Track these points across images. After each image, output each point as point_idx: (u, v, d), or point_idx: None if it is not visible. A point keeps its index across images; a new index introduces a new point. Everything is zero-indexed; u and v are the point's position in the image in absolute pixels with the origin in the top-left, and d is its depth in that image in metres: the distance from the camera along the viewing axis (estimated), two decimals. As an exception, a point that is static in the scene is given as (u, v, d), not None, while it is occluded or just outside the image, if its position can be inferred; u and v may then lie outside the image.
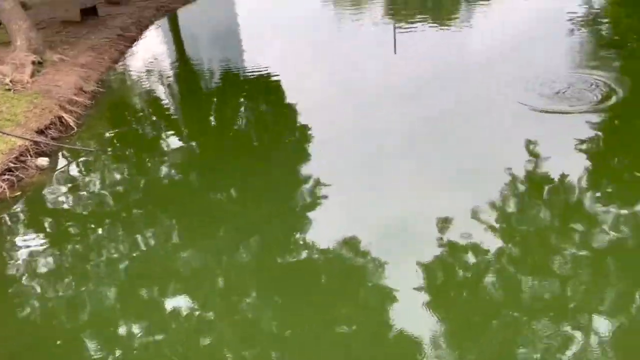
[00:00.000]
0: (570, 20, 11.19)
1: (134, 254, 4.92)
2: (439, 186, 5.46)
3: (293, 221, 5.23)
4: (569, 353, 3.35)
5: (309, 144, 6.82)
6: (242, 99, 8.95)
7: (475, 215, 4.86)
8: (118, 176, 6.50)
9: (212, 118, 8.35)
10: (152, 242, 5.10)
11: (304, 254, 4.67)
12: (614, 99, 6.93)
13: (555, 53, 9.12)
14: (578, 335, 3.49)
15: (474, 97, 7.54)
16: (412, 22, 12.70)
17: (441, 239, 4.59)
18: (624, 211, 4.72)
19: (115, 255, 4.88)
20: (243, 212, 5.48)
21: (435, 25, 12.32)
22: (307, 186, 5.77)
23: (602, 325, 3.54)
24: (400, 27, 12.07)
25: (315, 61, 10.61)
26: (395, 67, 9.60)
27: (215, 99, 9.10)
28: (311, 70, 10.06)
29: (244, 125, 7.99)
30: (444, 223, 4.77)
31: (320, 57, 10.85)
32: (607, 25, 11.10)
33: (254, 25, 15.20)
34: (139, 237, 5.15)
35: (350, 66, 9.80)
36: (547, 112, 6.72)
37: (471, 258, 4.33)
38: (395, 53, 10.21)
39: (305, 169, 6.19)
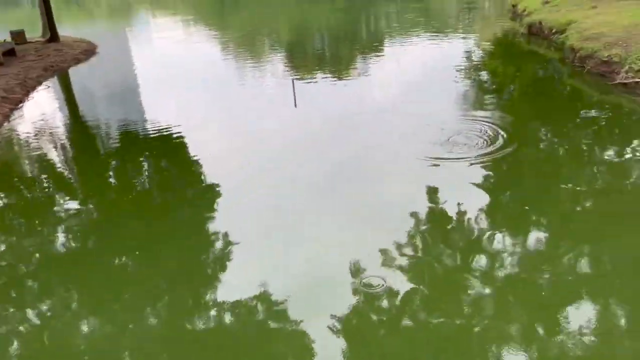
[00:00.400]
0: (457, 71, 12.19)
1: (26, 331, 4.42)
2: (346, 233, 5.51)
3: (201, 282, 5.00)
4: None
5: (214, 199, 6.67)
6: (141, 157, 8.64)
7: (383, 258, 4.93)
8: (3, 247, 5.91)
9: (110, 179, 7.94)
10: (47, 316, 4.62)
11: (215, 317, 4.45)
12: (499, 141, 7.51)
13: (444, 101, 9.81)
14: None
15: (372, 146, 7.82)
16: (311, 75, 13.16)
17: (354, 285, 4.59)
18: (517, 246, 5.03)
19: (3, 332, 4.36)
20: (147, 276, 5.16)
21: (333, 77, 12.84)
22: (215, 243, 5.59)
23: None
24: (300, 80, 12.45)
25: (218, 116, 10.58)
26: (296, 119, 9.81)
27: (112, 159, 8.69)
28: (214, 125, 10.00)
29: (145, 183, 7.67)
30: (356, 269, 4.79)
31: (222, 111, 10.85)
32: (486, 75, 12.19)
33: (153, 81, 14.98)
34: (30, 312, 4.66)
35: (253, 120, 9.87)
36: (439, 158, 7.08)
37: (384, 302, 4.35)
38: (295, 106, 10.46)
39: (212, 225, 6.01)
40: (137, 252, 5.58)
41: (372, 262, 4.87)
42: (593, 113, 8.54)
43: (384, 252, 5.00)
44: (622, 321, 3.95)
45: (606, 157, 6.78)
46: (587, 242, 4.99)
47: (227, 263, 5.22)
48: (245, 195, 6.68)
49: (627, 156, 6.69)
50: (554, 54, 12.51)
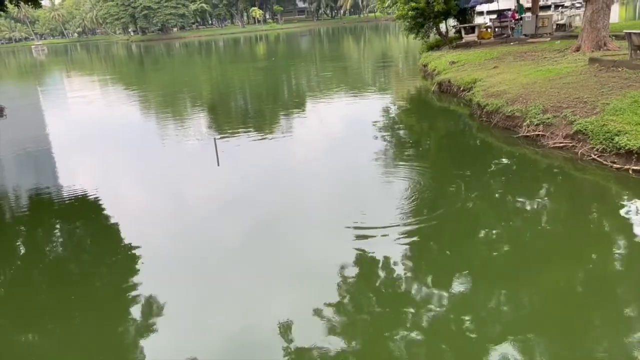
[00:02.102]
0: (375, 127, 12.71)
1: None
2: (272, 291, 5.41)
3: (122, 351, 4.66)
4: None
5: (133, 264, 6.34)
6: (56, 224, 8.13)
7: (314, 315, 4.86)
8: None
9: (20, 249, 7.36)
10: None
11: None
12: (417, 195, 7.80)
13: (363, 155, 10.14)
14: None
15: (294, 206, 7.84)
16: (234, 133, 13.18)
17: (285, 344, 4.46)
18: (441, 291, 5.15)
19: None
20: (65, 353, 4.74)
21: (256, 135, 12.93)
22: (137, 308, 5.27)
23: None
24: (223, 139, 12.41)
25: (138, 177, 10.26)
26: (219, 179, 9.71)
27: (23, 228, 8.10)
28: (133, 187, 9.67)
29: (60, 251, 7.18)
30: (285, 328, 4.68)
31: (142, 173, 10.54)
32: (403, 130, 12.79)
33: (67, 142, 14.36)
34: None
35: (174, 181, 9.66)
36: (361, 227, 7.17)
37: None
38: (218, 165, 10.37)
39: (133, 289, 5.68)
40: (50, 325, 5.14)
41: (302, 319, 4.78)
42: (503, 163, 9.13)
43: (315, 311, 4.94)
44: (543, 348, 4.09)
45: (517, 204, 7.21)
46: (505, 282, 5.19)
47: (152, 329, 4.92)
48: (165, 258, 6.42)
49: (536, 202, 7.14)
50: (463, 110, 13.39)
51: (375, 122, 13.39)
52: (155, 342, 4.77)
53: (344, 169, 9.38)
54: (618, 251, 5.88)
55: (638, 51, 11.81)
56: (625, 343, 4.23)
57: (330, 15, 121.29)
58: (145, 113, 18.63)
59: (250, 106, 19.19)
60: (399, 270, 5.55)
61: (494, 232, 6.36)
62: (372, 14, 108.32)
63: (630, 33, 12.02)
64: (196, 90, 24.93)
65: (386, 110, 15.54)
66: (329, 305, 5.03)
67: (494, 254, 5.85)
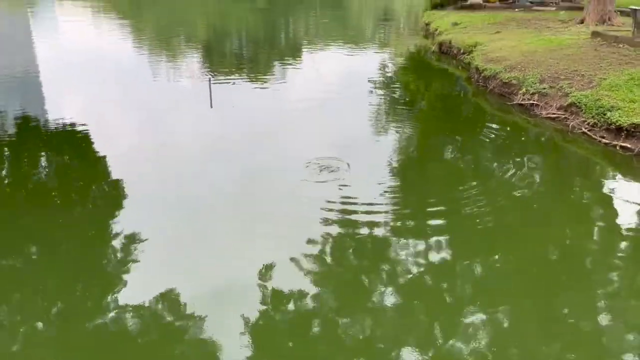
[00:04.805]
0: (372, 83, 12.59)
1: None
2: (254, 238, 5.49)
3: (104, 282, 4.74)
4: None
5: (120, 198, 6.37)
6: (42, 152, 8.06)
7: (293, 264, 4.97)
8: None
9: (4, 172, 7.33)
10: None
11: (118, 319, 4.24)
12: (410, 151, 7.85)
13: (355, 110, 10.10)
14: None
15: (281, 153, 7.83)
16: (228, 78, 12.98)
17: (264, 287, 4.58)
18: (418, 253, 5.27)
19: None
20: (46, 274, 4.81)
21: (251, 81, 12.75)
22: (119, 243, 5.34)
23: None
24: (217, 82, 12.23)
25: (128, 113, 10.13)
26: (210, 120, 9.63)
27: (8, 153, 8.03)
28: (123, 122, 9.56)
29: (45, 178, 7.16)
30: (264, 273, 4.78)
31: (133, 108, 10.40)
32: (399, 88, 12.70)
33: (57, 70, 14.05)
34: None
35: (165, 119, 9.56)
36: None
37: (292, 305, 4.39)
38: (211, 107, 10.27)
39: (117, 225, 5.73)
40: (34, 248, 5.20)
41: (281, 266, 4.89)
42: (494, 129, 9.16)
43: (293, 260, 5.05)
44: (514, 313, 4.26)
45: (502, 172, 7.29)
46: (483, 248, 5.33)
47: (132, 264, 5.00)
48: (151, 196, 6.45)
49: (522, 170, 7.22)
50: (461, 73, 13.29)
51: (372, 77, 13.25)
52: (136, 277, 4.85)
53: (335, 122, 9.36)
54: (595, 224, 6.03)
55: (642, 29, 11.70)
56: (593, 311, 4.41)
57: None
58: (137, 47, 18.19)
59: (246, 50, 18.82)
60: (380, 231, 5.62)
61: (475, 195, 6.42)
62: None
63: (636, 10, 11.87)
64: (191, 27, 24.32)
65: (383, 66, 15.36)
66: (307, 258, 5.08)
67: (474, 218, 5.93)
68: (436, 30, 18.01)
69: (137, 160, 7.67)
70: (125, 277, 4.83)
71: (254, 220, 5.86)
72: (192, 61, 15.67)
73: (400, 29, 25.17)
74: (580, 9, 17.41)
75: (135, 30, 22.68)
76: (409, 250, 5.26)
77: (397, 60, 16.67)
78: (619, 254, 5.37)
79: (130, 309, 4.34)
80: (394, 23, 27.39)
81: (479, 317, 4.26)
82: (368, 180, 6.77)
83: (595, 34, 12.74)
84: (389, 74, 14.35)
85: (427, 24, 20.44)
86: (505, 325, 4.23)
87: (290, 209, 6.07)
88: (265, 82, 12.81)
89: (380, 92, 12.05)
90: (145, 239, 5.39)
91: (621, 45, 11.50)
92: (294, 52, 17.78)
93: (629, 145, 7.51)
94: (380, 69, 14.83)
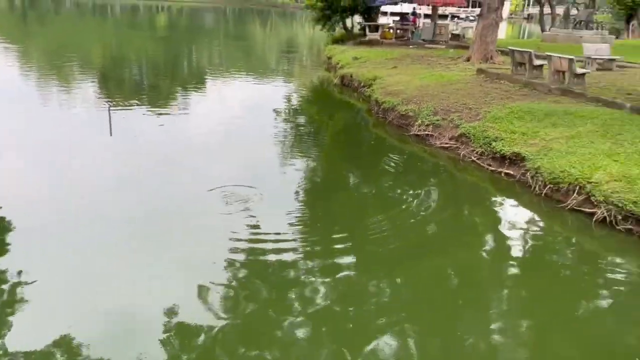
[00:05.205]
0: (276, 114, 12.76)
1: None
2: (157, 273, 5.29)
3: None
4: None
5: (5, 237, 5.85)
6: None
7: (198, 298, 4.84)
8: None
9: None
10: None
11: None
12: (315, 182, 8.00)
13: (259, 141, 10.16)
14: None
15: (186, 187, 7.64)
16: (128, 106, 12.53)
17: (168, 324, 4.40)
18: (325, 277, 5.37)
19: None
20: None
21: (152, 109, 12.40)
22: (5, 285, 4.89)
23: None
24: (116, 110, 11.75)
25: (17, 143, 9.40)
26: (110, 149, 9.21)
27: None
28: (11, 153, 8.85)
29: None
30: (168, 310, 4.61)
31: (21, 138, 9.67)
32: (304, 118, 12.99)
33: None
34: None
35: (59, 149, 8.99)
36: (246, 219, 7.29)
37: (200, 339, 4.26)
38: (111, 135, 9.83)
39: (5, 262, 5.25)
40: None
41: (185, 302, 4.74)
42: (393, 158, 9.63)
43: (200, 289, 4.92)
44: (417, 333, 4.45)
45: (401, 198, 7.66)
46: (385, 271, 5.54)
47: (23, 304, 4.59)
48: (43, 232, 6.00)
49: (419, 197, 7.63)
50: (362, 105, 13.88)
51: (277, 107, 13.45)
52: (25, 322, 4.46)
53: (241, 152, 9.34)
54: (484, 246, 6.50)
55: (519, 67, 13.01)
56: (488, 326, 4.72)
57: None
58: (25, 73, 17.04)
59: (146, 78, 18.32)
60: (286, 257, 5.65)
61: (376, 222, 6.68)
62: (281, 0, 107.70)
63: (513, 50, 13.19)
64: (86, 54, 23.25)
65: (288, 97, 15.66)
66: (215, 288, 4.99)
67: (378, 246, 6.16)
68: (338, 63, 18.73)
69: (27, 194, 7.11)
70: (12, 320, 4.42)
71: (156, 255, 5.64)
72: (87, 89, 14.94)
73: (303, 62, 25.87)
74: (467, 47, 18.99)
75: (22, 55, 21.25)
76: (316, 277, 5.32)
77: (302, 91, 17.08)
78: (508, 273, 5.83)
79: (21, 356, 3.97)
80: (298, 55, 28.11)
81: (383, 339, 4.39)
82: (276, 211, 6.80)
83: (480, 71, 13.95)
84: (294, 105, 14.64)
85: (329, 58, 21.20)
86: (409, 343, 4.40)
87: (195, 242, 5.93)
88: (168, 110, 12.51)
89: (286, 122, 12.25)
90: (36, 279, 4.98)
91: (502, 82, 12.68)
92: (198, 81, 17.60)
93: (512, 172, 8.23)
94: (285, 100, 15.10)
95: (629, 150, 7.46)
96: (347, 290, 5.15)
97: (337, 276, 5.34)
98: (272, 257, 5.57)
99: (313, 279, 5.28)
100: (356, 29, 26.18)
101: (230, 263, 5.44)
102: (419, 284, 5.39)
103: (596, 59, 15.45)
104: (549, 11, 35.43)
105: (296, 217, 6.69)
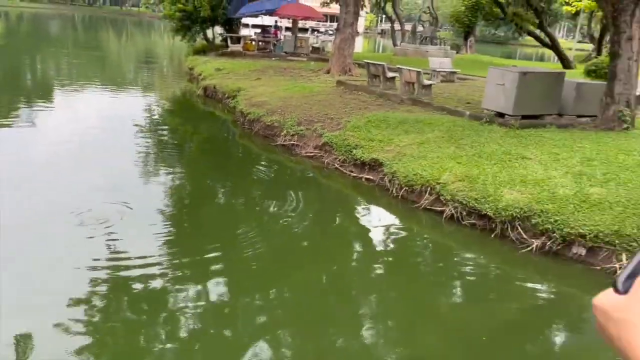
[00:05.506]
0: (137, 127, 12.15)
1: None
2: (6, 308, 4.78)
3: None
4: None
5: None
6: None
7: (53, 330, 4.46)
8: None
9: None
10: None
11: None
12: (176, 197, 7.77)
13: (119, 156, 9.63)
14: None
15: (37, 208, 6.98)
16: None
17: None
18: (200, 295, 5.26)
19: None
20: None
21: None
22: None
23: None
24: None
25: None
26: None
27: None
28: None
29: None
30: (20, 349, 4.18)
31: None
32: (167, 131, 12.56)
33: None
34: None
35: None
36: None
37: None
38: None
39: None
40: None
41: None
42: (260, 169, 9.73)
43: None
44: (291, 343, 4.53)
45: (270, 208, 7.77)
46: (259, 284, 5.57)
47: None
48: None
49: (287, 206, 7.80)
50: (227, 116, 13.80)
51: (137, 121, 12.82)
52: None
53: (100, 168, 8.76)
54: (352, 248, 6.85)
55: (374, 79, 13.90)
56: (360, 327, 4.97)
57: (87, 2, 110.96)
58: None
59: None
60: (155, 282, 5.42)
61: (247, 235, 6.70)
62: (137, 9, 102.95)
63: (368, 63, 14.07)
64: None
65: (149, 109, 15.04)
66: (73, 327, 4.60)
67: (251, 260, 6.15)
68: (200, 74, 18.42)
69: None
70: None
71: (5, 288, 5.07)
72: None
73: (164, 73, 25.01)
74: (327, 60, 19.83)
75: None
76: (188, 300, 5.16)
77: (163, 103, 16.50)
78: (375, 274, 6.19)
79: None
80: (158, 66, 27.10)
81: (258, 354, 4.42)
82: (141, 230, 6.47)
83: (339, 83, 14.66)
84: (156, 117, 14.10)
85: (191, 69, 20.75)
86: (286, 354, 4.48)
87: (46, 275, 5.43)
88: (9, 124, 11.31)
89: (148, 135, 11.73)
90: None
91: (360, 93, 13.46)
92: (45, 94, 16.14)
93: (371, 177, 8.76)
94: (146, 112, 14.46)
95: (470, 153, 8.35)
96: (221, 308, 5.08)
97: (211, 296, 5.24)
98: (138, 285, 5.27)
99: (185, 302, 5.10)
100: (218, 40, 25.98)
101: (89, 296, 5.03)
102: (294, 294, 5.49)
103: (440, 71, 17.07)
104: (400, 27, 38.35)
105: (164, 235, 6.42)
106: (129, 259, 5.67)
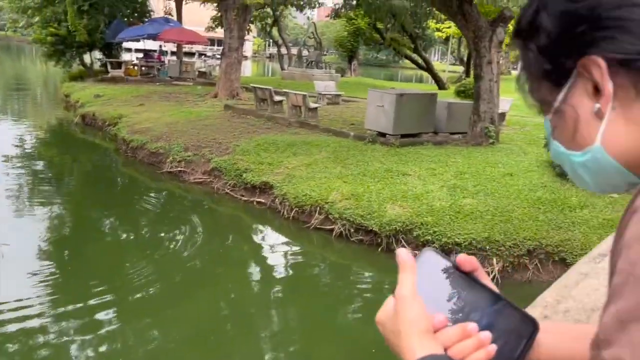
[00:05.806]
0: (6, 160, 11.13)
1: None
2: None
3: None
4: None
5: None
6: None
7: None
8: None
9: None
10: None
11: None
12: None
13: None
14: None
15: None
16: None
17: None
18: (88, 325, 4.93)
19: None
20: None
21: None
22: None
23: None
24: None
25: None
26: None
27: None
28: None
29: None
30: None
31: None
32: (42, 163, 11.66)
33: None
34: None
35: None
36: None
37: None
38: None
39: None
40: None
41: None
42: (147, 198, 9.36)
43: None
44: None
45: (160, 238, 7.50)
46: (155, 315, 5.35)
47: None
48: None
49: (178, 235, 7.57)
50: (108, 144, 13.13)
51: (5, 153, 11.75)
52: None
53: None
54: (248, 271, 6.82)
55: (262, 103, 14.04)
56: (262, 350, 4.93)
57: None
58: None
59: None
60: (32, 324, 5.00)
61: (138, 271, 6.40)
62: (3, 32, 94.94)
63: (255, 87, 14.20)
64: None
65: (21, 140, 13.86)
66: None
67: (140, 290, 5.90)
68: (77, 102, 17.40)
69: None
70: None
71: None
72: None
73: (37, 100, 23.28)
74: (214, 84, 19.67)
75: None
76: (71, 342, 4.81)
77: (37, 133, 15.32)
78: (274, 295, 6.20)
79: None
80: (30, 93, 25.16)
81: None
82: (15, 273, 5.92)
83: (227, 107, 14.61)
84: (29, 149, 13.04)
85: (67, 96, 19.52)
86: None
87: None
88: None
89: (20, 168, 10.80)
90: None
91: (248, 117, 13.51)
92: None
93: (263, 200, 8.80)
94: (16, 144, 13.30)
95: (355, 172, 8.71)
96: (111, 347, 4.79)
97: (98, 333, 4.92)
98: (12, 328, 4.83)
99: (68, 345, 4.75)
100: (97, 66, 24.73)
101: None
102: (190, 323, 5.33)
103: (326, 94, 17.66)
104: (286, 52, 39.13)
105: (43, 277, 5.93)
106: (2, 304, 5.18)
